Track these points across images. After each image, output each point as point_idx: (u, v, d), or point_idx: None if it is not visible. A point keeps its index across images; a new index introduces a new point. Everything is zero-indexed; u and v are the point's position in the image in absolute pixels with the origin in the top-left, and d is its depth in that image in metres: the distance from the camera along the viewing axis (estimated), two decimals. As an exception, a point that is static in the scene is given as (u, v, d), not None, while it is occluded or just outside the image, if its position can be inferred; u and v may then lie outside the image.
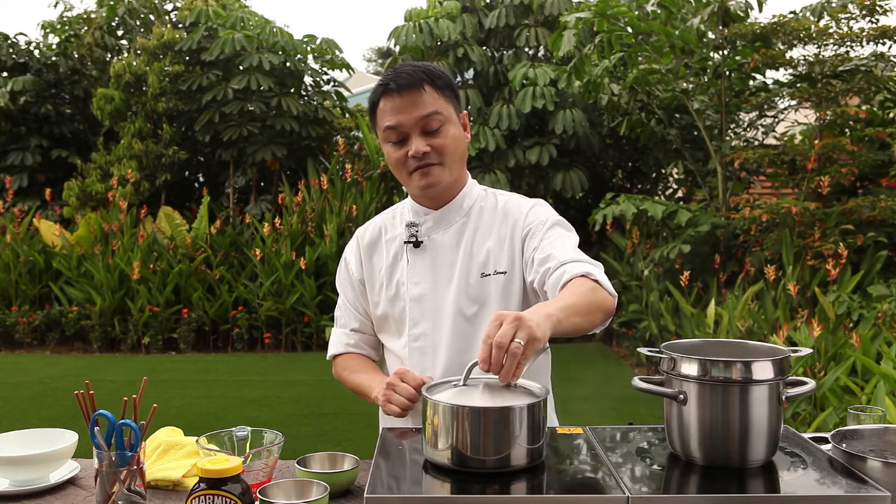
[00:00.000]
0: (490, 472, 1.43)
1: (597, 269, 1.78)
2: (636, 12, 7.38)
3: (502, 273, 1.94)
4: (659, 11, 7.48)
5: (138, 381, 1.65)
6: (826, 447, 1.57)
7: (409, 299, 1.95)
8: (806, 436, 1.67)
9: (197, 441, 1.62)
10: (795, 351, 1.54)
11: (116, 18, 10.89)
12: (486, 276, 1.94)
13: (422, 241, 1.98)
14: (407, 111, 1.86)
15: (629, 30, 7.53)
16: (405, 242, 1.99)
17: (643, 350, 1.59)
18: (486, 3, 9.83)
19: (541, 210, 1.98)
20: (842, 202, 6.99)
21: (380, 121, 1.92)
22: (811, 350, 1.60)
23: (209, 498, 1.27)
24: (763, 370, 1.43)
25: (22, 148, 10.35)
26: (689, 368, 1.46)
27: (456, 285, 1.94)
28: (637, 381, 1.51)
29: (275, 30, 9.70)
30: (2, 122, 10.37)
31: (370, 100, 1.96)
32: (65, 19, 11.03)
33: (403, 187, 2.09)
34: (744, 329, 6.08)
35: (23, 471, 1.65)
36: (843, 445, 1.53)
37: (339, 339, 2.12)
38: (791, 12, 7.82)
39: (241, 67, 9.64)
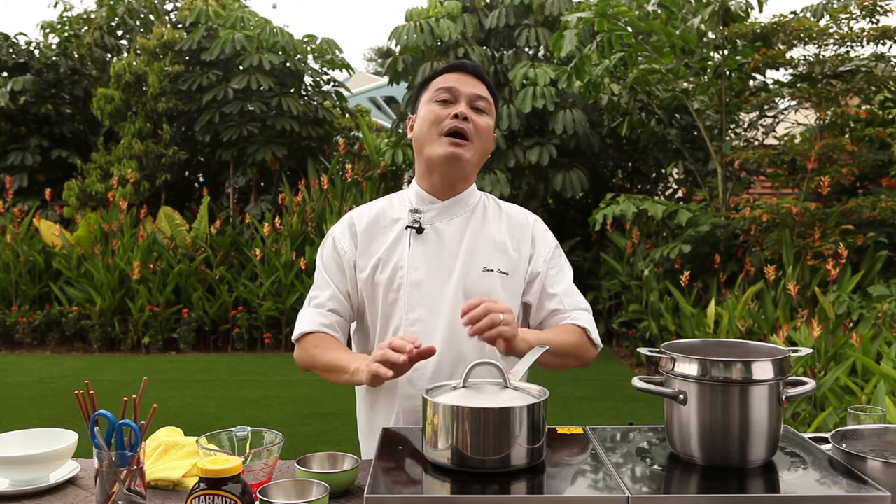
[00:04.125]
0: (490, 472, 1.43)
1: (589, 318, 2.04)
2: (636, 12, 7.38)
3: (504, 273, 1.99)
4: (659, 11, 7.48)
5: (138, 382, 1.65)
6: (826, 447, 1.57)
7: (407, 284, 1.94)
8: (806, 436, 1.67)
9: (197, 441, 1.62)
10: (795, 351, 1.54)
11: (116, 18, 10.89)
12: (489, 271, 1.97)
13: (424, 228, 1.98)
14: (466, 85, 1.98)
15: (629, 29, 7.53)
16: (407, 227, 1.98)
17: (643, 350, 1.60)
18: (487, 3, 9.83)
19: (545, 230, 2.12)
20: (842, 202, 6.99)
21: (434, 85, 2.00)
22: (811, 350, 1.60)
23: (209, 498, 1.27)
24: (763, 370, 1.43)
25: (22, 148, 10.35)
26: (689, 368, 1.46)
27: (457, 276, 1.95)
28: (637, 381, 1.51)
29: (275, 30, 9.70)
30: (2, 122, 10.37)
31: (431, 73, 2.05)
32: (65, 19, 11.03)
33: (415, 164, 2.09)
34: (744, 329, 6.08)
35: (23, 471, 1.64)
36: (843, 445, 1.53)
37: (312, 318, 2.02)
38: (791, 12, 7.82)
39: (241, 67, 9.63)
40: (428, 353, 1.67)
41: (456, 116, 1.93)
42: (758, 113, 8.33)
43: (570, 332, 1.97)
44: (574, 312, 2.02)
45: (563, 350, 1.90)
